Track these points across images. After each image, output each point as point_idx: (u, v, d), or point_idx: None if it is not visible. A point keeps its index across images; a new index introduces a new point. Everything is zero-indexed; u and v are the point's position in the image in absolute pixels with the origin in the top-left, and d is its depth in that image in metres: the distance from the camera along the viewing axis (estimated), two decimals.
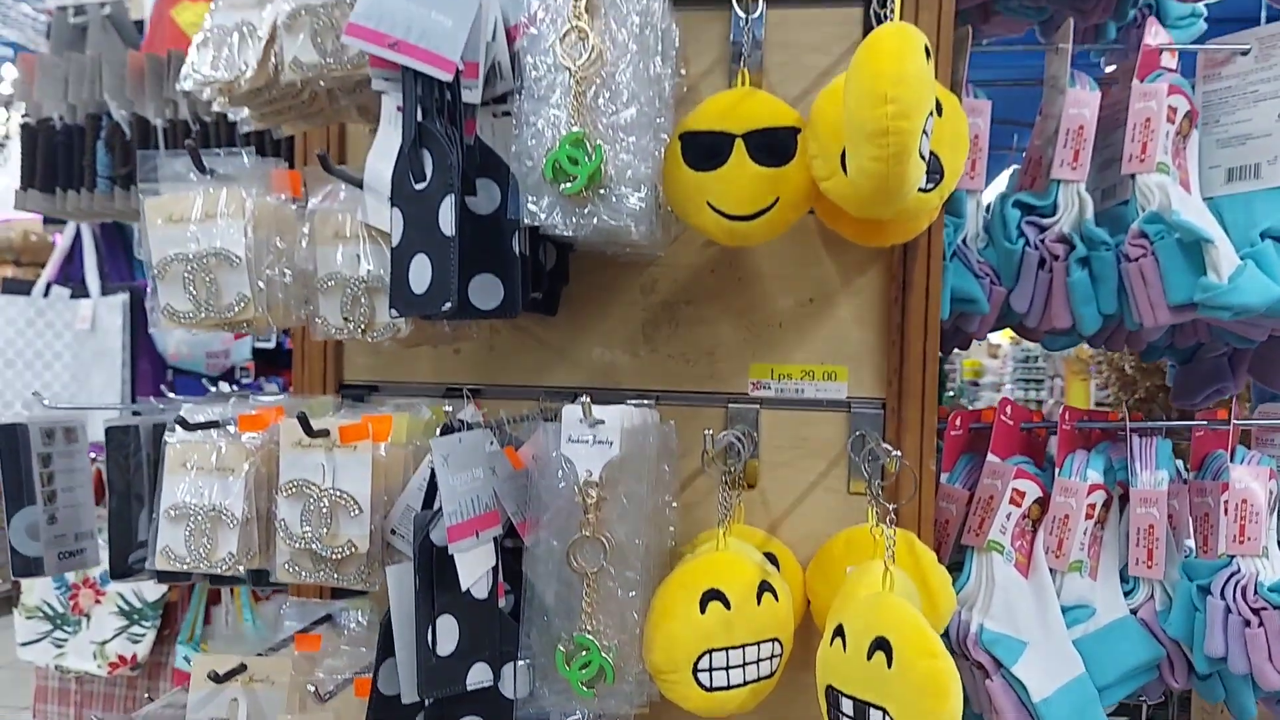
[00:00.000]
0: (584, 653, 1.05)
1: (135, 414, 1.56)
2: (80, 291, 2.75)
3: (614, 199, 1.03)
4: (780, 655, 1.13)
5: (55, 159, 1.71)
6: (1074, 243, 1.36)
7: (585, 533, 1.05)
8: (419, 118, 1.01)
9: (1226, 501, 1.33)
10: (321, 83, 1.10)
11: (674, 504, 1.22)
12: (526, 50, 1.04)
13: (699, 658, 1.06)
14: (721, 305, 1.38)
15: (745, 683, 1.09)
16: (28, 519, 1.48)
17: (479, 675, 1.07)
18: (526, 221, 1.04)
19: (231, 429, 1.13)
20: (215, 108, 1.14)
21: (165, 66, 1.64)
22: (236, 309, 1.07)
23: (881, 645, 0.96)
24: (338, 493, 1.08)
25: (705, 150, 1.13)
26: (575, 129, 1.01)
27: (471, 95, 1.03)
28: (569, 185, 1.01)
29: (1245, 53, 1.36)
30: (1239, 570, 1.31)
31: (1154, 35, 1.37)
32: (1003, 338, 9.14)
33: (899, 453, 1.14)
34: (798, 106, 1.31)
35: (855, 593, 1.07)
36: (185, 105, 1.65)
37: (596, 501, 1.05)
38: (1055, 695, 1.32)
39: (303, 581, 1.10)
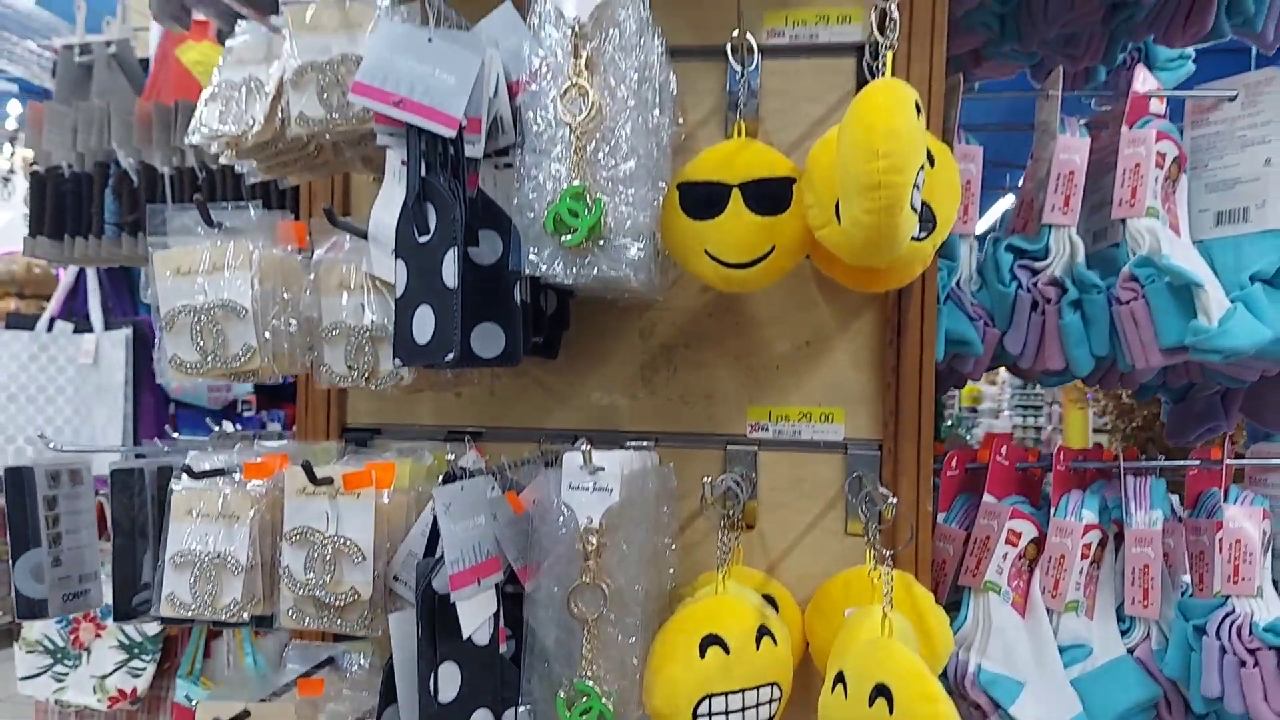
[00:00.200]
0: (585, 699, 1.06)
1: (140, 456, 1.58)
2: (84, 326, 2.77)
3: (614, 249, 1.05)
4: (779, 699, 1.14)
5: (64, 206, 1.73)
6: (1066, 286, 1.38)
7: (585, 579, 1.07)
8: (423, 172, 1.03)
9: (1221, 540, 1.35)
10: (327, 136, 1.12)
11: (673, 545, 1.24)
12: (528, 106, 1.06)
13: (699, 703, 1.07)
14: (719, 348, 1.40)
15: None
16: (32, 561, 1.49)
17: None
18: (528, 272, 1.06)
19: (237, 476, 1.14)
20: (223, 160, 1.16)
21: (173, 115, 1.67)
22: (243, 359, 1.09)
23: (882, 692, 0.98)
24: (341, 540, 1.09)
25: (703, 200, 1.15)
26: (576, 182, 1.03)
27: (474, 150, 1.06)
28: (570, 237, 1.03)
29: (1232, 99, 1.39)
30: (1234, 610, 1.32)
31: (1142, 82, 1.39)
32: None
33: (895, 499, 1.15)
34: (793, 153, 1.34)
35: (855, 637, 1.08)
36: (192, 153, 1.68)
37: (597, 548, 1.06)
38: None
39: (306, 627, 1.11)
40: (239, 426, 2.27)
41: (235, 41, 1.17)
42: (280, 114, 1.12)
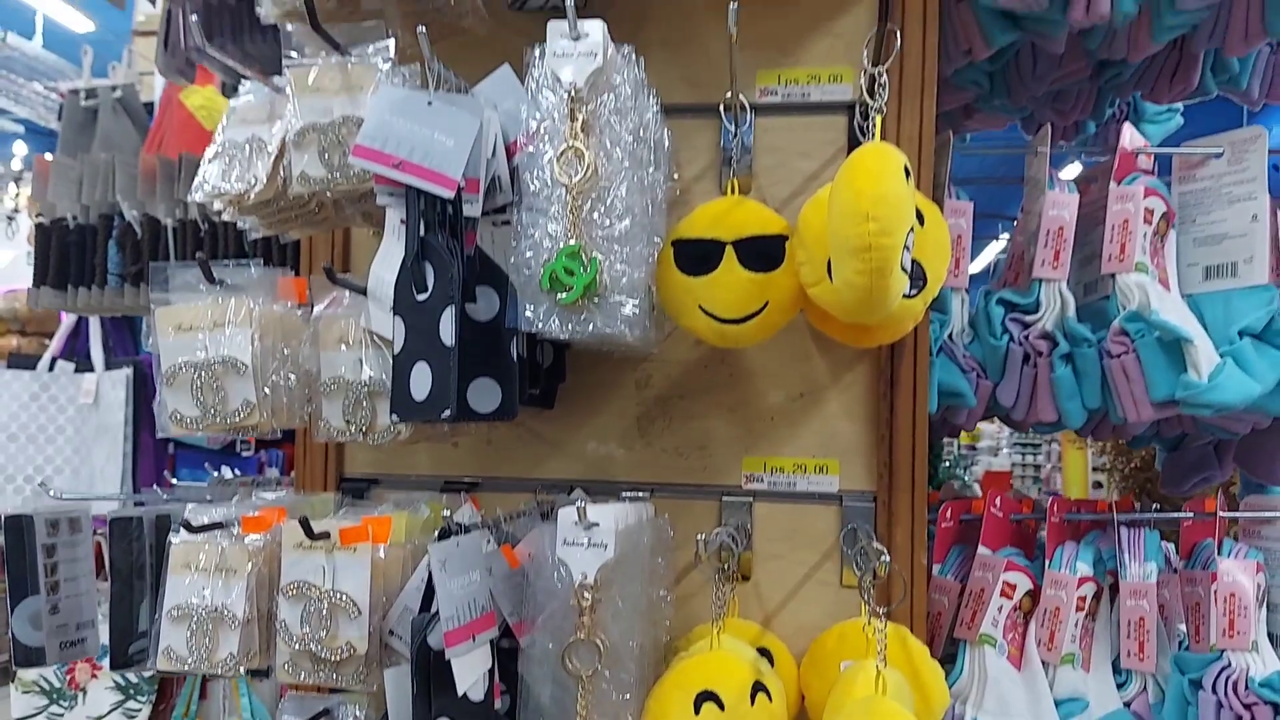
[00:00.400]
0: None
1: (139, 504, 1.59)
2: (85, 366, 2.79)
3: (609, 306, 1.06)
4: None
5: (68, 257, 1.76)
6: (1057, 339, 1.39)
7: (580, 635, 1.07)
8: (421, 232, 1.05)
9: (1216, 593, 1.35)
10: (328, 194, 1.14)
11: (669, 597, 1.24)
12: (525, 166, 1.08)
13: None
14: (714, 400, 1.41)
15: None
16: (30, 609, 1.49)
17: None
18: (524, 328, 1.07)
19: (235, 530, 1.15)
20: (225, 217, 1.18)
21: (176, 169, 1.69)
22: (242, 414, 1.10)
23: None
24: (337, 594, 1.10)
25: (697, 257, 1.17)
26: (572, 241, 1.05)
27: (472, 209, 1.08)
28: (565, 295, 1.04)
29: (1218, 155, 1.41)
30: (1230, 664, 1.32)
31: (1130, 139, 1.42)
32: None
33: (888, 557, 1.16)
34: (787, 208, 1.36)
35: (849, 694, 1.08)
36: (195, 206, 1.70)
37: (591, 604, 1.07)
38: None
39: (302, 682, 1.12)
40: (237, 471, 2.28)
41: (239, 101, 1.20)
42: (282, 173, 1.14)
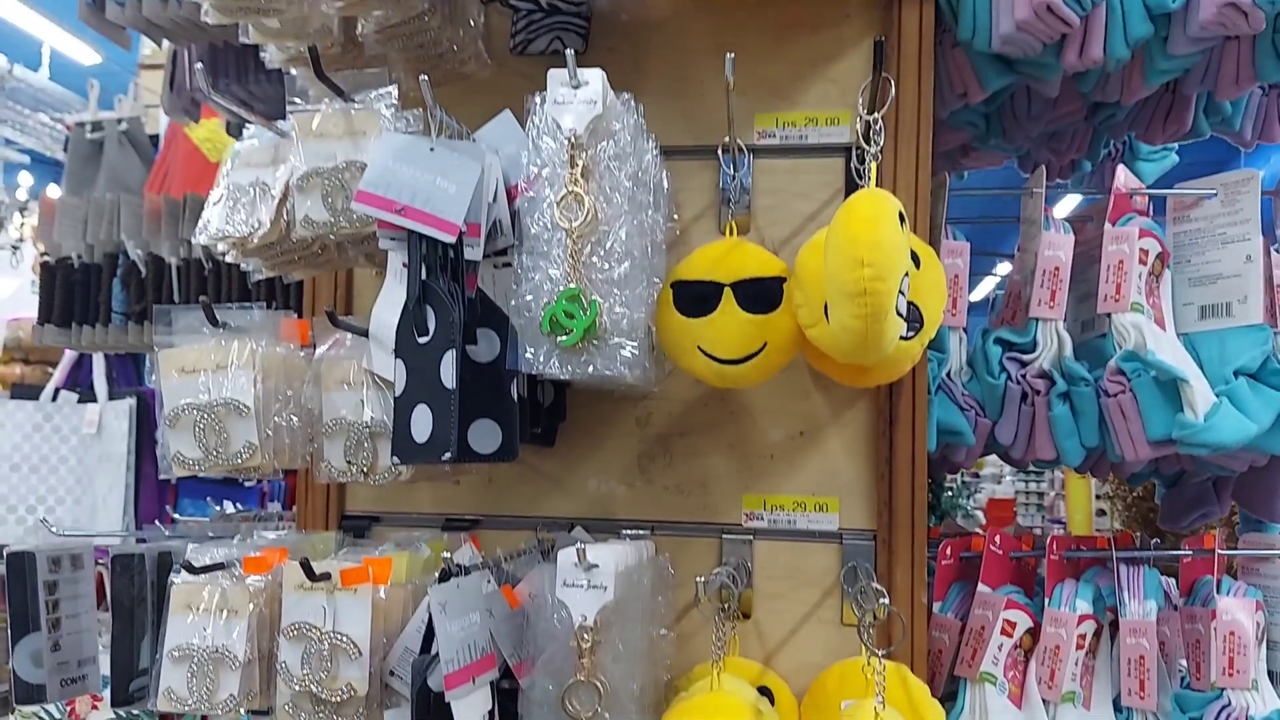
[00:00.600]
0: None
1: (141, 540, 1.59)
2: (88, 396, 2.80)
3: (609, 348, 1.07)
4: None
5: (72, 295, 1.77)
6: (1054, 378, 1.40)
7: (580, 677, 1.07)
8: (423, 275, 1.06)
9: (1215, 630, 1.35)
10: (331, 237, 1.16)
11: (669, 636, 1.24)
12: (526, 211, 1.10)
13: None
14: (715, 437, 1.42)
15: None
16: (32, 646, 1.49)
17: None
18: (525, 370, 1.08)
19: (236, 570, 1.15)
20: (229, 259, 1.20)
21: (181, 209, 1.71)
22: (244, 456, 1.11)
23: None
24: (338, 636, 1.10)
25: (696, 298, 1.18)
26: (571, 285, 1.06)
27: (473, 253, 1.09)
28: (565, 338, 1.05)
29: (1211, 196, 1.42)
30: (1230, 703, 1.33)
31: (1124, 180, 1.43)
32: None
33: (886, 599, 1.16)
34: (785, 248, 1.38)
35: None
36: (200, 245, 1.72)
37: (591, 646, 1.07)
38: None
39: None
40: (238, 506, 2.29)
41: (243, 145, 1.21)
42: (285, 217, 1.15)
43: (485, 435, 1.10)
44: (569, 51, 1.06)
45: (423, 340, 1.07)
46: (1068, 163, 1.77)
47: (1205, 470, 1.55)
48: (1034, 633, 1.43)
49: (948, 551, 1.50)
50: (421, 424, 1.05)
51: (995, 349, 1.43)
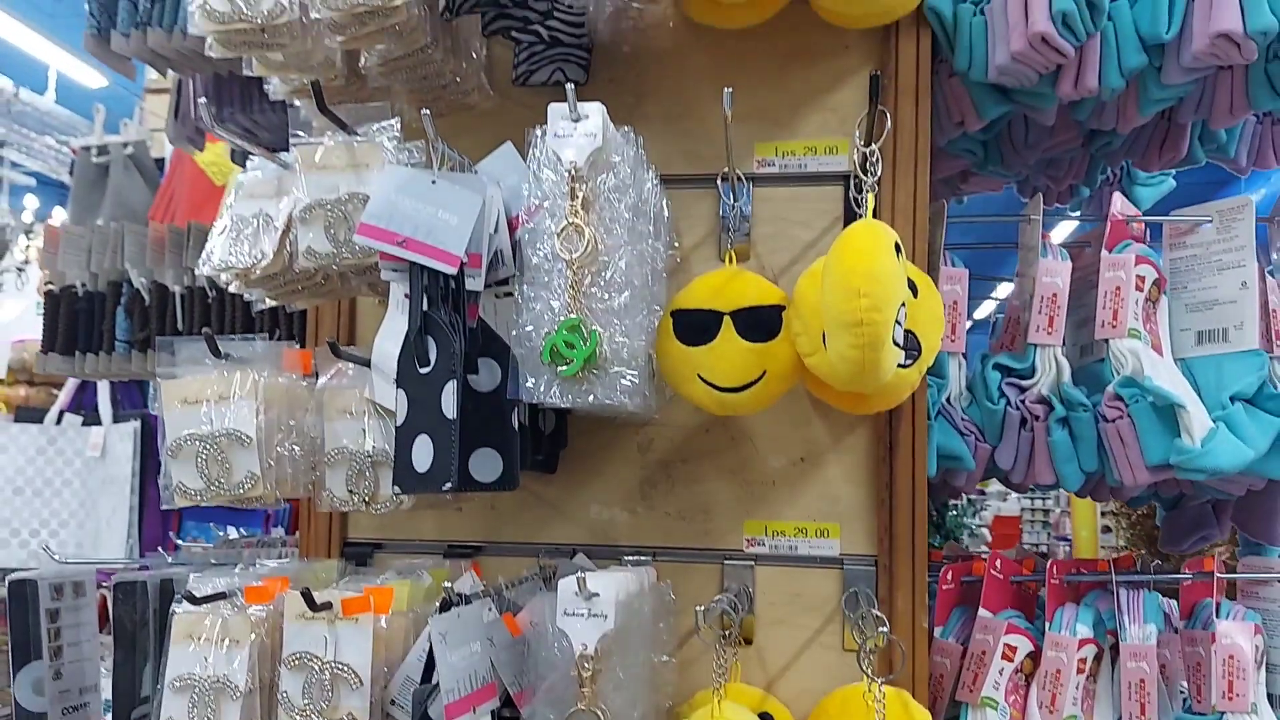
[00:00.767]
0: None
1: (144, 568, 1.60)
2: (92, 419, 2.81)
3: (609, 378, 1.08)
4: None
5: (76, 324, 1.79)
6: (1053, 404, 1.41)
7: (581, 706, 1.07)
8: (425, 306, 1.07)
9: (1215, 653, 1.35)
10: (334, 268, 1.17)
11: (671, 662, 1.25)
12: (527, 242, 1.11)
13: None
14: (716, 463, 1.42)
15: None
16: (33, 674, 1.50)
17: None
18: (526, 399, 1.09)
19: (238, 600, 1.16)
20: (232, 289, 1.21)
21: (185, 237, 1.73)
22: (246, 486, 1.12)
23: None
24: (339, 665, 1.10)
25: (695, 327, 1.19)
26: (572, 315, 1.07)
27: (475, 283, 1.10)
28: (566, 368, 1.06)
29: (1207, 223, 1.43)
30: None
31: (1120, 207, 1.45)
32: None
33: (886, 627, 1.16)
34: (785, 276, 1.39)
35: None
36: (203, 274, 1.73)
37: (592, 674, 1.07)
38: None
39: None
40: (241, 530, 2.29)
41: (246, 177, 1.23)
42: (288, 248, 1.17)
43: (486, 464, 1.11)
44: (569, 86, 1.08)
45: (424, 371, 1.08)
46: (1066, 188, 1.78)
47: (1204, 493, 1.56)
48: (1035, 657, 1.43)
49: (949, 576, 1.51)
50: (423, 454, 1.06)
51: (994, 374, 1.44)
